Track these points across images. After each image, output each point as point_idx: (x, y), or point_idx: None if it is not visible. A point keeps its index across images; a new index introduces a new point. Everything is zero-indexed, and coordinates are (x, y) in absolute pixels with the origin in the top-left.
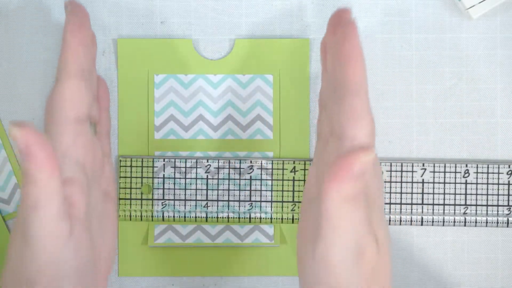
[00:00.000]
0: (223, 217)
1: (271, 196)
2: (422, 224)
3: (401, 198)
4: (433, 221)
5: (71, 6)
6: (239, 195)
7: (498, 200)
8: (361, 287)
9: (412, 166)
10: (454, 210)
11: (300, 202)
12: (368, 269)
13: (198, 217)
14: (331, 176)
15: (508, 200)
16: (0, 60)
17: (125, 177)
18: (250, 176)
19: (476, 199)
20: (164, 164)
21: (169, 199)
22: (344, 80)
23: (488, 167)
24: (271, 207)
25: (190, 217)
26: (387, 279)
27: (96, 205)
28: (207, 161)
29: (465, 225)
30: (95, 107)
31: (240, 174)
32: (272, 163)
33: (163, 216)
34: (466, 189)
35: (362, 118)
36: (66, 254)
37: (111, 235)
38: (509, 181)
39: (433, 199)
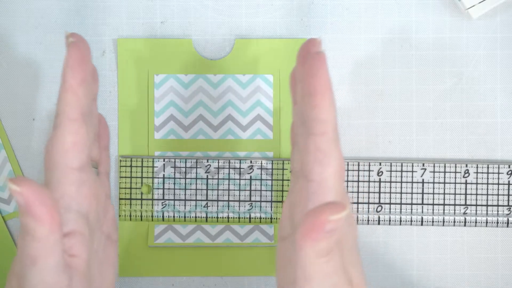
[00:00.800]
0: (223, 217)
1: (271, 196)
2: (422, 224)
3: (401, 198)
4: (433, 221)
5: (74, 38)
6: (239, 195)
7: (498, 200)
8: None
9: (412, 166)
10: (454, 210)
11: None
12: None
13: (198, 217)
14: (305, 233)
15: (508, 200)
16: (0, 60)
17: (125, 177)
18: (250, 176)
19: (476, 199)
20: (164, 164)
21: (169, 199)
22: (310, 116)
23: (488, 167)
24: (271, 207)
25: (190, 217)
26: None
27: (98, 250)
28: (207, 161)
29: (465, 225)
30: (96, 147)
31: (240, 174)
32: (272, 163)
33: (163, 216)
34: (466, 189)
35: (328, 159)
36: None
37: (110, 279)
38: (509, 181)
39: (433, 199)
